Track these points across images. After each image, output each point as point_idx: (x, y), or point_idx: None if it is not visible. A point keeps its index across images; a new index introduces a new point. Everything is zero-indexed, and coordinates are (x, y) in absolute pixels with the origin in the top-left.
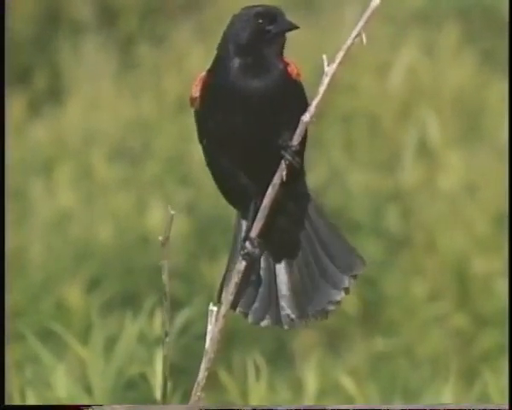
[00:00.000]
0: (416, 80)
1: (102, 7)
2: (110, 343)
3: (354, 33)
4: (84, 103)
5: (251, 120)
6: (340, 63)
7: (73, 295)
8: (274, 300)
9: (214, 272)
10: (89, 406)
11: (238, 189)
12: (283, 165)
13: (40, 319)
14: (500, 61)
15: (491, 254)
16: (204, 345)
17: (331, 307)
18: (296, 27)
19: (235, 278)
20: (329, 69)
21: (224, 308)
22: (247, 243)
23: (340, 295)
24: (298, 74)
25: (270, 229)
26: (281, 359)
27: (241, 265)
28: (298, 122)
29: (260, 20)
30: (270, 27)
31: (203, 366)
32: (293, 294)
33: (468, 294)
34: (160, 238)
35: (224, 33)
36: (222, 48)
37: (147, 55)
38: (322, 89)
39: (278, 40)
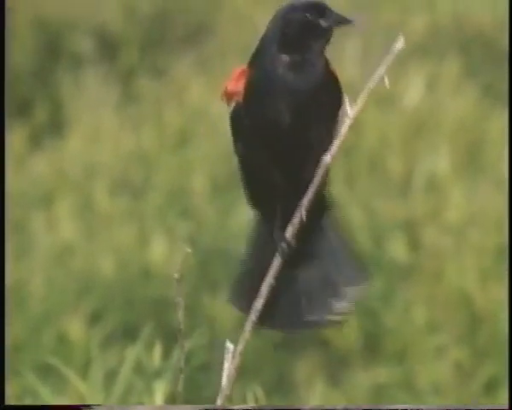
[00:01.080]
0: (418, 113)
1: (103, 40)
2: (110, 377)
3: (376, 76)
4: (85, 136)
5: (296, 116)
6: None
7: (74, 328)
8: (286, 305)
9: (215, 305)
10: (89, 406)
11: (270, 189)
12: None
13: (40, 352)
14: (500, 95)
15: (494, 287)
16: (210, 378)
17: (332, 317)
18: (349, 22)
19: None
20: (352, 111)
21: (247, 327)
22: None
23: (342, 306)
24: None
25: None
26: (281, 390)
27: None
28: (335, 117)
29: (308, 14)
30: (320, 21)
31: (219, 402)
32: (298, 300)
33: (471, 326)
34: (176, 275)
35: (268, 28)
36: (266, 42)
37: (147, 88)
38: (344, 130)
39: (326, 35)
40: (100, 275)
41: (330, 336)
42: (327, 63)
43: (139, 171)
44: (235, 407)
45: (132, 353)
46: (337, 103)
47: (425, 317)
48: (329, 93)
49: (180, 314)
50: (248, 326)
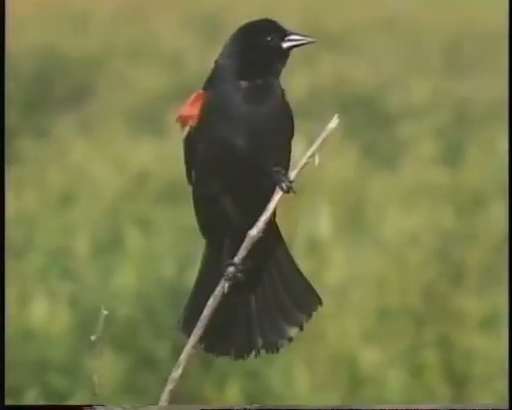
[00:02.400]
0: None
1: None
2: None
3: (309, 153)
4: None
5: (252, 143)
6: (294, 182)
7: None
8: (235, 330)
9: (95, 365)
10: (90, 405)
11: (221, 218)
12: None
13: None
14: (381, 155)
15: (376, 348)
16: None
17: (283, 342)
18: (311, 41)
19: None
20: (283, 185)
21: (186, 351)
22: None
23: (293, 332)
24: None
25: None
26: None
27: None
28: (289, 146)
29: (269, 38)
30: (282, 44)
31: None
32: (248, 323)
33: (354, 386)
34: (93, 338)
35: (224, 52)
36: (223, 66)
37: (29, 149)
38: (272, 205)
39: (286, 57)
40: None
41: (211, 397)
42: (283, 92)
43: (20, 231)
44: (235, 407)
45: None
46: (290, 133)
47: (307, 378)
48: (285, 122)
49: (95, 378)
50: (186, 351)
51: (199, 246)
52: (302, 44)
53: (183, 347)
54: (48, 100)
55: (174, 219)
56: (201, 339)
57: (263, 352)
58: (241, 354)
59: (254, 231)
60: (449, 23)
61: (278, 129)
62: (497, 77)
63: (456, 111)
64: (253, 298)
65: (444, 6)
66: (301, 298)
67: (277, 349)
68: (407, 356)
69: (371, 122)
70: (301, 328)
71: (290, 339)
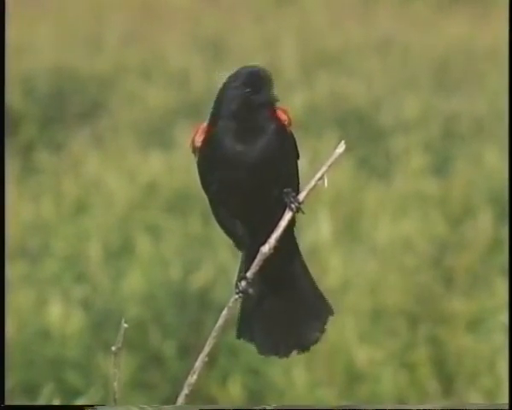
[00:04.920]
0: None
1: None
2: None
3: (318, 175)
4: None
5: (252, 176)
6: (303, 202)
7: None
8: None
9: (108, 364)
10: (91, 405)
11: (236, 236)
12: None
13: None
14: (375, 167)
15: (374, 345)
16: None
17: (309, 344)
18: (276, 100)
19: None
20: (292, 206)
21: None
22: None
23: (316, 336)
24: (289, 123)
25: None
26: None
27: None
28: (296, 167)
29: (248, 89)
30: (256, 97)
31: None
32: (284, 327)
33: (350, 383)
34: (113, 348)
35: (220, 93)
36: (218, 108)
37: (46, 161)
38: (283, 224)
39: (267, 106)
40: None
41: (216, 393)
42: (278, 122)
43: (37, 238)
44: (235, 409)
45: None
46: (294, 156)
47: (306, 374)
48: (283, 150)
49: (115, 385)
50: (201, 358)
51: (204, 252)
52: (269, 104)
53: (188, 346)
54: (63, 116)
55: (181, 226)
56: (253, 342)
57: (294, 352)
58: (286, 353)
59: (266, 248)
60: (438, 44)
61: (276, 158)
62: (483, 94)
63: (444, 126)
64: (283, 307)
65: (433, 27)
66: (319, 307)
67: (308, 349)
68: (400, 354)
69: (366, 136)
70: (322, 332)
71: (316, 341)
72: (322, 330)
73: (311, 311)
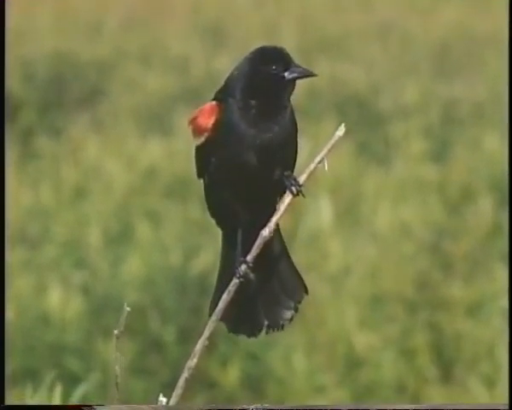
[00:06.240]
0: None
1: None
2: None
3: (318, 158)
4: None
5: (262, 160)
6: (303, 185)
7: None
8: (248, 313)
9: (108, 349)
10: (90, 406)
11: (233, 217)
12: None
13: None
14: (374, 153)
15: (371, 331)
16: None
17: (284, 322)
18: (313, 74)
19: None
20: (293, 189)
21: (180, 383)
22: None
23: (291, 314)
24: None
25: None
26: None
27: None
28: (296, 150)
29: (274, 67)
30: (285, 74)
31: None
32: (256, 307)
33: (350, 368)
34: (116, 332)
35: (237, 72)
36: (234, 84)
37: (46, 147)
38: (283, 207)
39: (290, 87)
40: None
41: (217, 378)
42: (292, 111)
43: (37, 224)
44: (236, 408)
45: (34, 398)
46: (296, 140)
47: (305, 360)
48: (292, 136)
49: (117, 368)
50: (201, 342)
51: (204, 237)
52: (304, 77)
53: (188, 331)
54: (63, 101)
55: (181, 212)
56: (225, 321)
57: (269, 330)
58: (254, 333)
59: (266, 232)
60: (437, 29)
61: (286, 144)
62: (483, 79)
63: (444, 111)
64: (258, 285)
65: (432, 13)
66: (294, 287)
67: (282, 327)
68: (399, 340)
69: (365, 122)
70: (296, 310)
71: (291, 319)
72: (296, 309)
73: (286, 290)
